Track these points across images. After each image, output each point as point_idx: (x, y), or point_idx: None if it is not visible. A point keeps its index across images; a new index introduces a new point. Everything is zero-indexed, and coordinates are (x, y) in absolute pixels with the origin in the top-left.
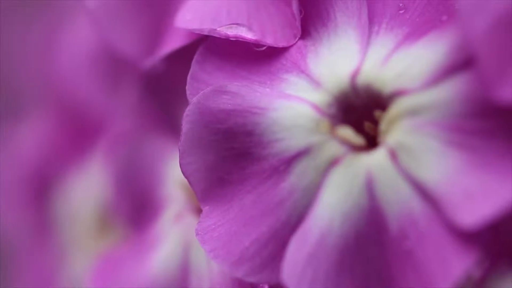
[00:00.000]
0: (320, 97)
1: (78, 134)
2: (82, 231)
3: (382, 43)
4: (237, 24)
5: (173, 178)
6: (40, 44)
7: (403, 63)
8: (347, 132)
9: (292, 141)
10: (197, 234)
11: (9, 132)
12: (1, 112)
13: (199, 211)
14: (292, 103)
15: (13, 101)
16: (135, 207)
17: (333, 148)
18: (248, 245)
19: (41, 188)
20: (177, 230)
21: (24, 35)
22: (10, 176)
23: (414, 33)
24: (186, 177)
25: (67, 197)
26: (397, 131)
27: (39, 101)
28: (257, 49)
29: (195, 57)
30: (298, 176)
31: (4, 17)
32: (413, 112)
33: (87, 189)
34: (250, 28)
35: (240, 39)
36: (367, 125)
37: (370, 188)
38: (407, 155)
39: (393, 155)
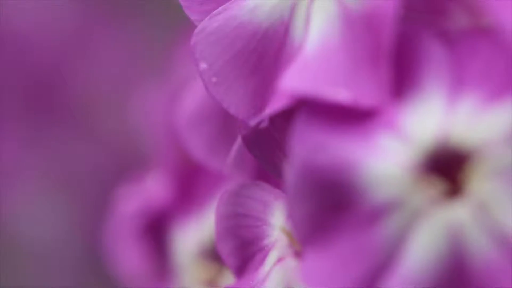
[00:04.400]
0: (409, 153)
1: (192, 188)
2: (197, 275)
3: (467, 102)
4: (335, 88)
5: (276, 225)
6: (162, 104)
7: (487, 121)
8: (434, 186)
9: (383, 195)
10: (300, 274)
11: (132, 187)
12: (126, 170)
13: (299, 255)
14: (384, 159)
15: (136, 158)
16: (241, 253)
17: (421, 201)
18: (345, 285)
19: (159, 236)
20: (280, 271)
21: (150, 95)
22: (131, 225)
23: (496, 93)
24: (291, 224)
25: (182, 244)
26: (481, 186)
27: (159, 157)
28: (353, 110)
29: (298, 117)
30: (389, 227)
31: (134, 78)
32: (496, 169)
33: (200, 236)
34: (347, 92)
35: (338, 102)
36: (453, 180)
37: (455, 238)
38: (491, 208)
39: (478, 208)
